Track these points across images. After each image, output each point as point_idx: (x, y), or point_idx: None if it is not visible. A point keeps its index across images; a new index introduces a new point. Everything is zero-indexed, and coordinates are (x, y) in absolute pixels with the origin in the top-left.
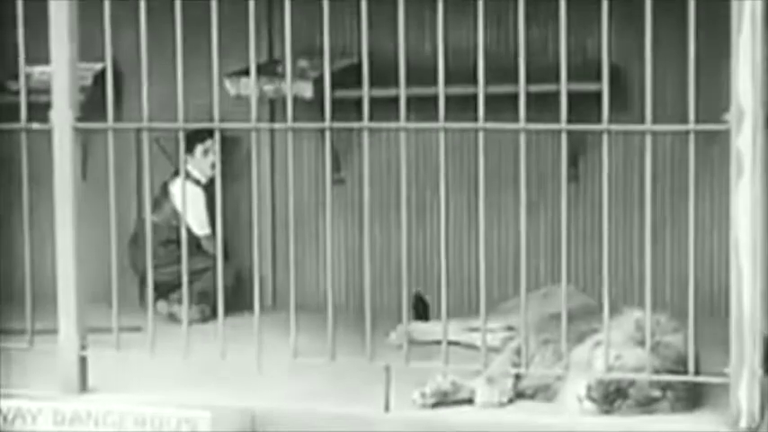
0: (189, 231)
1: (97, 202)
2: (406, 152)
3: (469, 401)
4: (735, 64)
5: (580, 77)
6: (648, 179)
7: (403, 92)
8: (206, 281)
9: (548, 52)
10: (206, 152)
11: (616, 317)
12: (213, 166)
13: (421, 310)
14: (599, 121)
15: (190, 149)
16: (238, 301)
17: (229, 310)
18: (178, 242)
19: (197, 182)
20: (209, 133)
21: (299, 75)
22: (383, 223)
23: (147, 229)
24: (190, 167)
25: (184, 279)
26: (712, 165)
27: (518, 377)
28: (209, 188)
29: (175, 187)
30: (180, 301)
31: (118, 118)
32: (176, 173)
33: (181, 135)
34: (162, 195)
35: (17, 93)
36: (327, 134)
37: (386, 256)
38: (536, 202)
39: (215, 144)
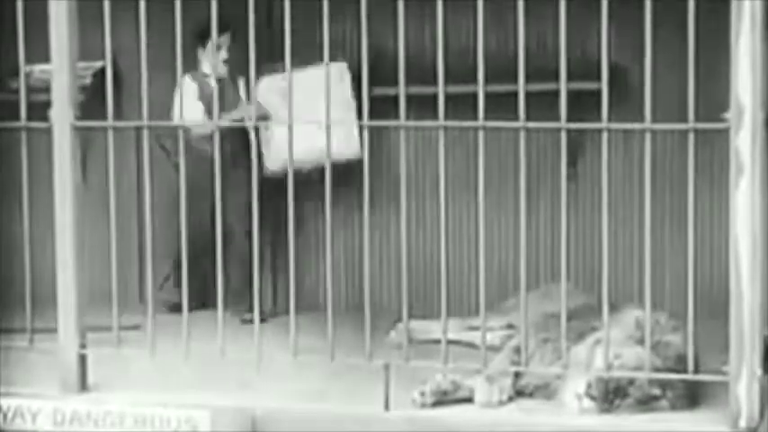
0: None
1: (97, 201)
2: (406, 151)
3: (469, 400)
4: (735, 63)
5: (580, 76)
6: (648, 178)
7: (403, 90)
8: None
9: (547, 51)
10: (218, 47)
11: (616, 315)
12: (225, 62)
13: None
14: (599, 119)
15: (202, 43)
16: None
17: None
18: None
19: (204, 76)
20: (222, 30)
21: None
22: (383, 222)
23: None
24: (201, 61)
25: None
26: (712, 164)
27: (518, 376)
28: (220, 84)
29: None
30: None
31: (118, 116)
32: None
33: (180, 133)
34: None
35: (17, 91)
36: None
37: (385, 254)
38: (536, 201)
39: (228, 40)
